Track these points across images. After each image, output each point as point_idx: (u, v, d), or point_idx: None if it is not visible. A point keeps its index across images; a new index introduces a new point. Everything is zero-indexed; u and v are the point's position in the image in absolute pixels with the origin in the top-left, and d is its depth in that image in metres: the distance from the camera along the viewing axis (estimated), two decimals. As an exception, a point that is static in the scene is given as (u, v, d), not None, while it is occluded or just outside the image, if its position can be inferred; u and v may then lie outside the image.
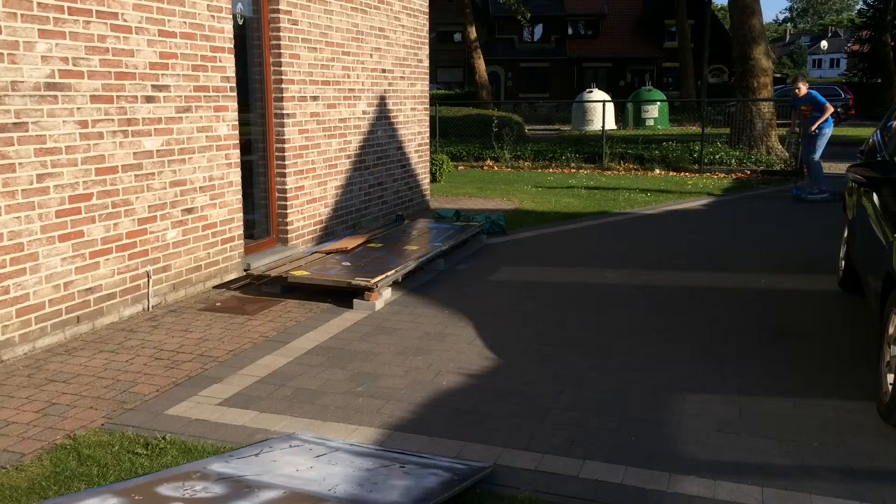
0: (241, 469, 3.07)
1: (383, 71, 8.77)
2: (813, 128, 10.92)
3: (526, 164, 16.24)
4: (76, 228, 4.93)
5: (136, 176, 5.37)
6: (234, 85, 6.30)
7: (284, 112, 7.00)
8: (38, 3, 4.58)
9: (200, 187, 5.99)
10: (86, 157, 4.96)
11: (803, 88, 11.18)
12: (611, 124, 24.10)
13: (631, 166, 15.50)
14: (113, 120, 5.15)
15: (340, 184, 8.04)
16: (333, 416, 3.79)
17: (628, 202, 11.09)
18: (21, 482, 3.10)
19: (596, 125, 23.97)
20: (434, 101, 17.63)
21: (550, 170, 15.69)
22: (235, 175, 6.38)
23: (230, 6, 6.20)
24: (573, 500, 3.02)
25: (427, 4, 9.95)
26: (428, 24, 10.05)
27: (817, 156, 11.12)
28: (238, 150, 6.39)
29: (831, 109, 10.92)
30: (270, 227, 7.18)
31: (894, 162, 4.77)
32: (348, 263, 6.37)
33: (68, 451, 3.37)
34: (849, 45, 57.24)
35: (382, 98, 8.80)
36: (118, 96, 5.17)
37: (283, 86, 6.96)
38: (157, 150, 5.54)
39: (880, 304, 4.08)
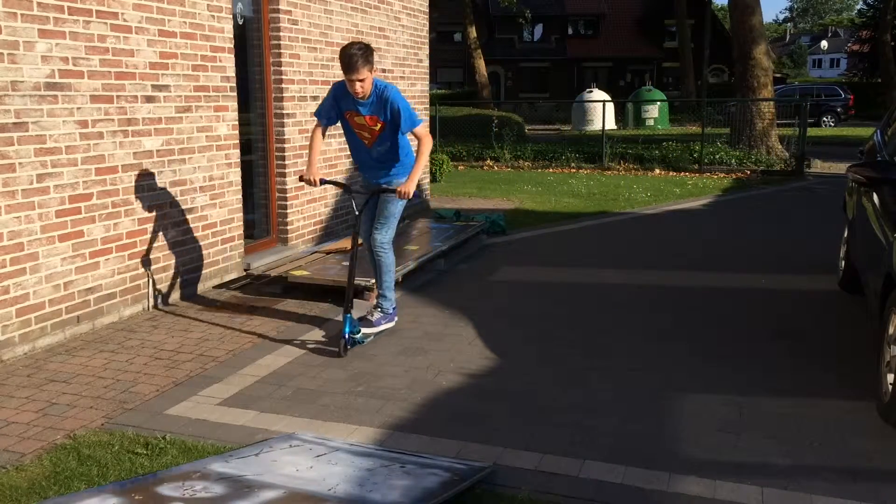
0: (241, 469, 3.07)
1: (383, 71, 8.77)
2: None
3: (526, 163, 16.24)
4: (76, 228, 4.93)
5: (136, 175, 5.37)
6: (234, 85, 6.30)
7: (284, 112, 7.00)
8: (38, 3, 4.58)
9: (200, 187, 5.99)
10: (86, 156, 4.96)
11: (366, 84, 4.56)
12: (611, 124, 24.10)
13: (631, 166, 15.49)
14: (113, 120, 5.15)
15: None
16: (333, 416, 3.79)
17: (628, 202, 11.09)
18: (21, 482, 3.10)
19: (596, 125, 23.98)
20: (434, 100, 17.63)
21: (550, 170, 15.69)
22: (235, 175, 6.38)
23: (230, 6, 6.20)
24: (573, 500, 3.02)
25: (427, 4, 9.95)
26: (428, 23, 10.05)
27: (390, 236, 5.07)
28: (238, 150, 6.39)
29: (429, 141, 4.78)
30: (270, 227, 7.18)
31: (894, 162, 4.77)
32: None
33: (68, 450, 3.37)
34: (849, 45, 57.26)
35: (382, 98, 8.78)
36: (118, 96, 5.17)
37: (283, 86, 6.96)
38: (157, 150, 5.54)
39: (880, 304, 4.08)
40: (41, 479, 3.13)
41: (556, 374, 4.36)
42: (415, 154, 4.85)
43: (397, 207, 4.92)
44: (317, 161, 4.82)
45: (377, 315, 5.08)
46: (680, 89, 40.22)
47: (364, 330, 4.94)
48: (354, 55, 4.46)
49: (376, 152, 4.89)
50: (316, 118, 4.88)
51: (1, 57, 4.37)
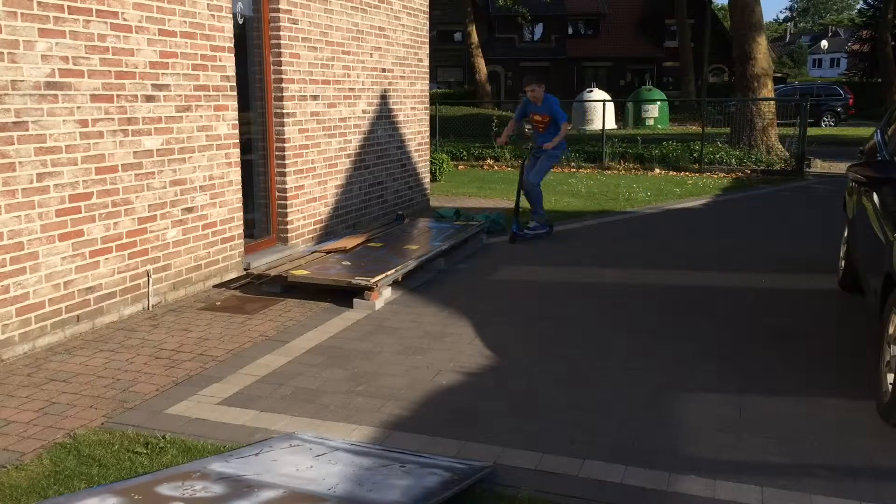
0: (241, 468, 3.07)
1: (383, 70, 8.77)
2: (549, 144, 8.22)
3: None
4: (76, 227, 4.93)
5: (136, 175, 5.37)
6: (235, 84, 6.29)
7: (284, 111, 7.00)
8: (39, 3, 4.57)
9: (200, 186, 5.99)
10: (86, 156, 4.95)
11: (539, 92, 8.33)
12: (611, 124, 24.09)
13: (631, 166, 15.49)
14: (113, 119, 5.14)
15: (340, 183, 8.04)
16: (333, 416, 3.79)
17: (628, 201, 11.09)
18: (21, 481, 3.10)
19: (596, 125, 23.96)
20: (434, 100, 17.62)
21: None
22: (235, 174, 6.38)
23: (230, 5, 6.20)
24: (573, 499, 3.02)
25: (427, 4, 9.94)
26: (428, 23, 10.05)
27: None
28: (238, 150, 6.39)
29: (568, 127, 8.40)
30: (270, 227, 7.18)
31: (894, 162, 4.76)
32: (348, 263, 6.36)
33: (68, 450, 3.37)
34: (849, 44, 57.20)
35: (382, 97, 8.79)
36: (118, 95, 5.17)
37: (284, 85, 6.96)
38: (157, 149, 5.54)
39: (880, 304, 4.08)
40: (41, 478, 3.13)
41: (556, 374, 4.36)
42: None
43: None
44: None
45: (533, 224, 8.33)
46: (680, 89, 40.20)
47: (525, 231, 8.19)
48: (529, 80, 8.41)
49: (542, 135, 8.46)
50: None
51: (1, 56, 4.37)
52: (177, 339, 4.94)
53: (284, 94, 6.98)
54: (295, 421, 3.72)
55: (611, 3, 48.22)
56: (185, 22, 5.71)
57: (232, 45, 6.24)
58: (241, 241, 6.53)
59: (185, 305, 5.70)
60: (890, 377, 3.70)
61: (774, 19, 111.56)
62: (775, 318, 5.45)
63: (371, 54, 8.44)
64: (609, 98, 25.35)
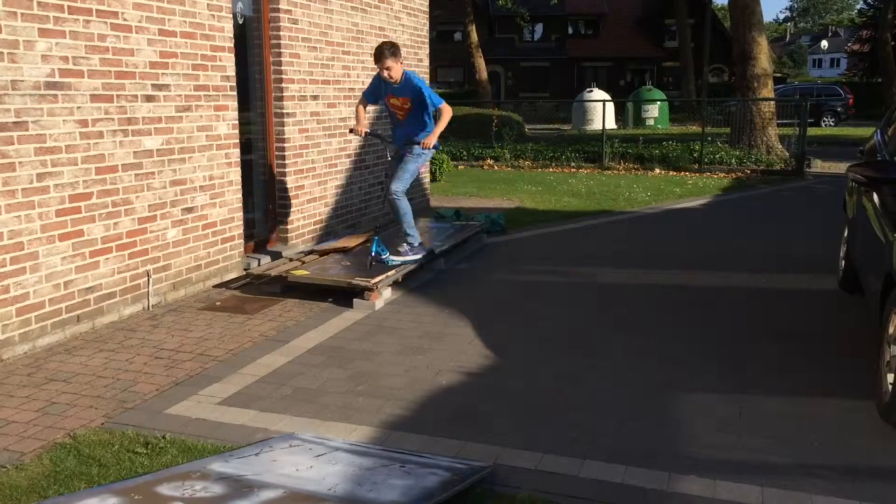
0: (241, 468, 3.07)
1: (383, 70, 8.76)
2: (427, 140, 6.06)
3: (526, 163, 16.23)
4: (76, 227, 4.93)
5: (136, 175, 5.37)
6: (235, 84, 6.29)
7: (284, 111, 7.00)
8: (39, 3, 4.57)
9: (200, 186, 5.99)
10: (86, 156, 4.95)
11: (397, 69, 6.02)
12: (611, 124, 24.10)
13: (631, 166, 15.48)
14: (113, 119, 5.14)
15: (340, 183, 8.04)
16: (333, 416, 3.79)
17: (628, 202, 11.09)
18: (21, 481, 3.10)
19: (596, 125, 23.97)
20: (434, 100, 17.58)
21: (550, 169, 15.68)
22: (235, 174, 6.38)
23: (230, 5, 6.20)
24: (573, 499, 3.02)
25: (427, 4, 9.94)
26: (428, 23, 10.05)
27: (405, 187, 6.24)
28: (238, 150, 6.39)
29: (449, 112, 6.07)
30: (270, 227, 7.18)
31: (894, 162, 4.77)
32: (348, 263, 6.36)
33: (68, 450, 3.37)
34: (849, 44, 57.19)
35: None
36: (118, 95, 5.17)
37: (284, 85, 6.96)
38: (158, 150, 5.54)
39: (880, 304, 4.08)
40: (41, 478, 3.13)
41: (557, 374, 4.36)
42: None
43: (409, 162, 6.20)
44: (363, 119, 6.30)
45: (404, 247, 6.32)
46: (680, 89, 40.21)
47: (392, 256, 6.17)
48: (383, 52, 5.95)
49: (404, 124, 6.31)
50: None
51: (1, 56, 4.37)
52: (177, 339, 4.94)
53: (284, 94, 6.98)
54: (295, 421, 3.72)
55: (611, 3, 48.25)
56: (185, 22, 5.71)
57: (232, 45, 6.24)
58: (241, 241, 6.53)
59: (185, 305, 5.70)
60: (890, 377, 3.70)
61: (774, 19, 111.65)
62: (775, 318, 5.45)
63: (371, 54, 8.43)
64: (609, 98, 25.37)
